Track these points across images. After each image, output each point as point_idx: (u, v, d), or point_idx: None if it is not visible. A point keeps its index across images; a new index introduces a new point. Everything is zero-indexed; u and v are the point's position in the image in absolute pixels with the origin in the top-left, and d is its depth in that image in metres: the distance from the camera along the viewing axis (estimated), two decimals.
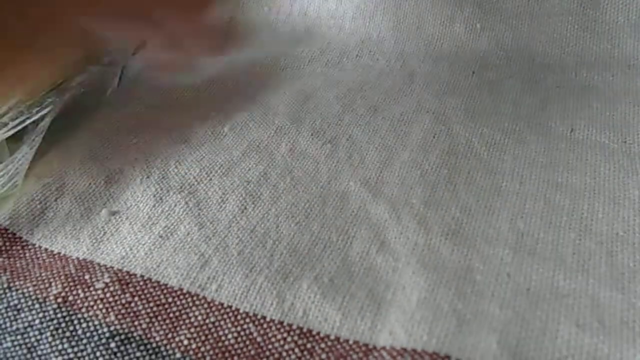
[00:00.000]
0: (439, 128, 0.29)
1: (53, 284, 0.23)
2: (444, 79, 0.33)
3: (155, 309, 0.22)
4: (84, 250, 0.24)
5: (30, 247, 0.25)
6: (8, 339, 0.21)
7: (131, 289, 0.22)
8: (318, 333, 0.21)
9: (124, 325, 0.21)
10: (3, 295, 0.22)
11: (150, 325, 0.21)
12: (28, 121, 0.28)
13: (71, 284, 0.23)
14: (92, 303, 0.22)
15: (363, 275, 0.22)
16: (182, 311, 0.22)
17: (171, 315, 0.22)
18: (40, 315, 0.22)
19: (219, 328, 0.21)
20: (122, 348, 0.21)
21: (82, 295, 0.22)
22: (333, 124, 0.30)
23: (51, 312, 0.22)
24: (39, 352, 0.21)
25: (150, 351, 0.21)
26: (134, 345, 0.21)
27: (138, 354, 0.21)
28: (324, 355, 0.20)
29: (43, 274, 0.23)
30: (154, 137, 0.30)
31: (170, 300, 0.22)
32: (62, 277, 0.23)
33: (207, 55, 0.37)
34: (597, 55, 0.34)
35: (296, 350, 0.20)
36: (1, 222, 0.25)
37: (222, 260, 0.23)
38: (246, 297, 0.22)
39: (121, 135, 0.31)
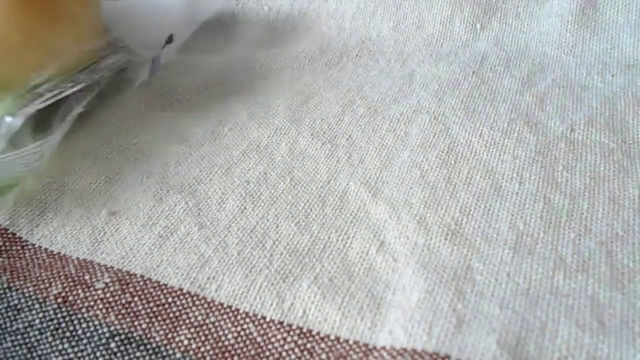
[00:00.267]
0: (439, 128, 0.29)
1: (53, 284, 0.23)
2: (443, 79, 0.33)
3: (155, 309, 0.22)
4: (83, 250, 0.24)
5: (30, 247, 0.25)
6: (8, 339, 0.21)
7: (131, 289, 0.22)
8: (318, 333, 0.21)
9: (124, 325, 0.21)
10: (3, 296, 0.22)
11: (150, 325, 0.21)
12: (62, 94, 0.28)
13: (71, 284, 0.23)
14: (92, 303, 0.22)
15: (363, 275, 0.22)
16: (182, 311, 0.22)
17: (171, 315, 0.22)
18: (40, 315, 0.22)
19: (218, 328, 0.21)
20: (122, 348, 0.21)
21: (82, 295, 0.22)
22: (333, 124, 0.30)
23: (51, 312, 0.22)
24: (39, 352, 0.21)
25: (150, 351, 0.21)
26: (134, 345, 0.21)
27: (138, 354, 0.21)
28: (323, 355, 0.20)
29: (43, 274, 0.23)
30: (154, 137, 0.30)
31: (170, 300, 0.22)
32: (62, 277, 0.23)
33: None
34: (596, 55, 0.34)
35: (296, 350, 0.20)
36: (1, 222, 0.25)
37: (221, 260, 0.23)
38: (246, 297, 0.22)
39: (121, 135, 0.31)
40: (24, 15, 0.27)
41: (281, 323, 0.21)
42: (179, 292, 0.22)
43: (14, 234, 0.25)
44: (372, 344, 0.20)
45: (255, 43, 0.39)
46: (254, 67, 0.36)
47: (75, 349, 0.21)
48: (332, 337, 0.21)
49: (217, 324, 0.21)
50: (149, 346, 0.21)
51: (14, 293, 0.23)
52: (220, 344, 0.21)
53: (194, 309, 0.22)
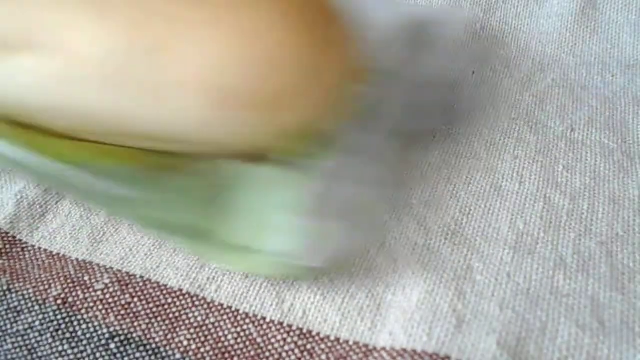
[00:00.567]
0: (439, 128, 0.29)
1: (53, 285, 0.23)
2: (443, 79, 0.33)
3: (155, 309, 0.22)
4: (83, 250, 0.24)
5: (29, 248, 0.25)
6: (8, 341, 0.21)
7: (131, 290, 0.22)
8: (318, 334, 0.21)
9: (124, 326, 0.21)
10: (3, 297, 0.22)
11: (150, 326, 0.21)
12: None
13: (71, 285, 0.23)
14: (91, 304, 0.22)
15: (363, 276, 0.22)
16: (182, 312, 0.22)
17: (171, 316, 0.22)
18: (41, 317, 0.22)
19: (218, 329, 0.21)
20: (122, 349, 0.21)
21: (81, 296, 0.22)
22: None
23: (51, 313, 0.22)
24: (40, 354, 0.21)
25: (150, 352, 0.21)
26: (133, 346, 0.21)
27: (138, 354, 0.21)
28: (323, 356, 0.20)
29: (43, 276, 0.23)
30: None
31: (170, 301, 0.22)
32: (62, 279, 0.23)
33: None
34: (596, 55, 0.34)
35: (296, 351, 0.20)
36: (2, 225, 0.25)
37: None
38: (246, 297, 0.22)
39: None
40: (308, 43, 0.22)
41: (281, 324, 0.21)
42: (178, 293, 0.22)
43: (14, 237, 0.25)
44: (372, 344, 0.20)
45: None
46: None
47: (75, 350, 0.21)
48: (332, 338, 0.21)
49: (217, 324, 0.21)
50: (148, 347, 0.21)
51: (14, 295, 0.23)
52: (220, 345, 0.21)
53: (193, 309, 0.22)
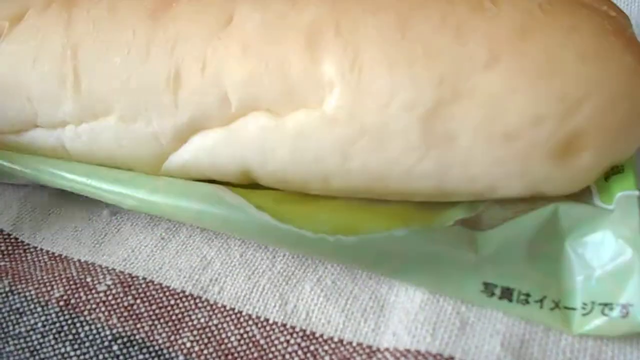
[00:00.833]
0: None
1: (55, 287, 0.23)
2: None
3: (157, 311, 0.22)
4: (85, 252, 0.24)
5: (32, 249, 0.25)
6: (11, 342, 0.21)
7: (133, 292, 0.22)
8: (321, 335, 0.21)
9: (127, 328, 0.21)
10: (5, 299, 0.22)
11: (153, 327, 0.21)
12: None
13: (73, 287, 0.23)
14: (94, 306, 0.22)
15: (366, 277, 0.22)
16: (185, 313, 0.22)
17: (173, 317, 0.22)
18: (43, 318, 0.22)
19: (221, 330, 0.21)
20: (124, 351, 0.21)
21: (84, 298, 0.22)
22: None
23: (53, 315, 0.22)
24: (42, 356, 0.21)
25: (153, 354, 0.21)
26: (136, 347, 0.21)
27: (140, 356, 0.21)
28: (327, 357, 0.20)
29: (45, 277, 0.23)
30: None
31: (172, 302, 0.22)
32: (64, 280, 0.23)
33: None
34: None
35: (299, 352, 0.20)
36: (4, 227, 0.25)
37: (224, 262, 0.23)
38: (249, 299, 0.22)
39: None
40: None
41: (284, 325, 0.21)
42: (181, 295, 0.22)
43: (17, 239, 0.25)
44: (375, 345, 0.20)
45: None
46: None
47: (78, 352, 0.21)
48: (336, 339, 0.21)
49: (219, 326, 0.21)
50: (151, 349, 0.21)
51: (16, 296, 0.22)
52: (223, 347, 0.21)
53: (196, 311, 0.22)
